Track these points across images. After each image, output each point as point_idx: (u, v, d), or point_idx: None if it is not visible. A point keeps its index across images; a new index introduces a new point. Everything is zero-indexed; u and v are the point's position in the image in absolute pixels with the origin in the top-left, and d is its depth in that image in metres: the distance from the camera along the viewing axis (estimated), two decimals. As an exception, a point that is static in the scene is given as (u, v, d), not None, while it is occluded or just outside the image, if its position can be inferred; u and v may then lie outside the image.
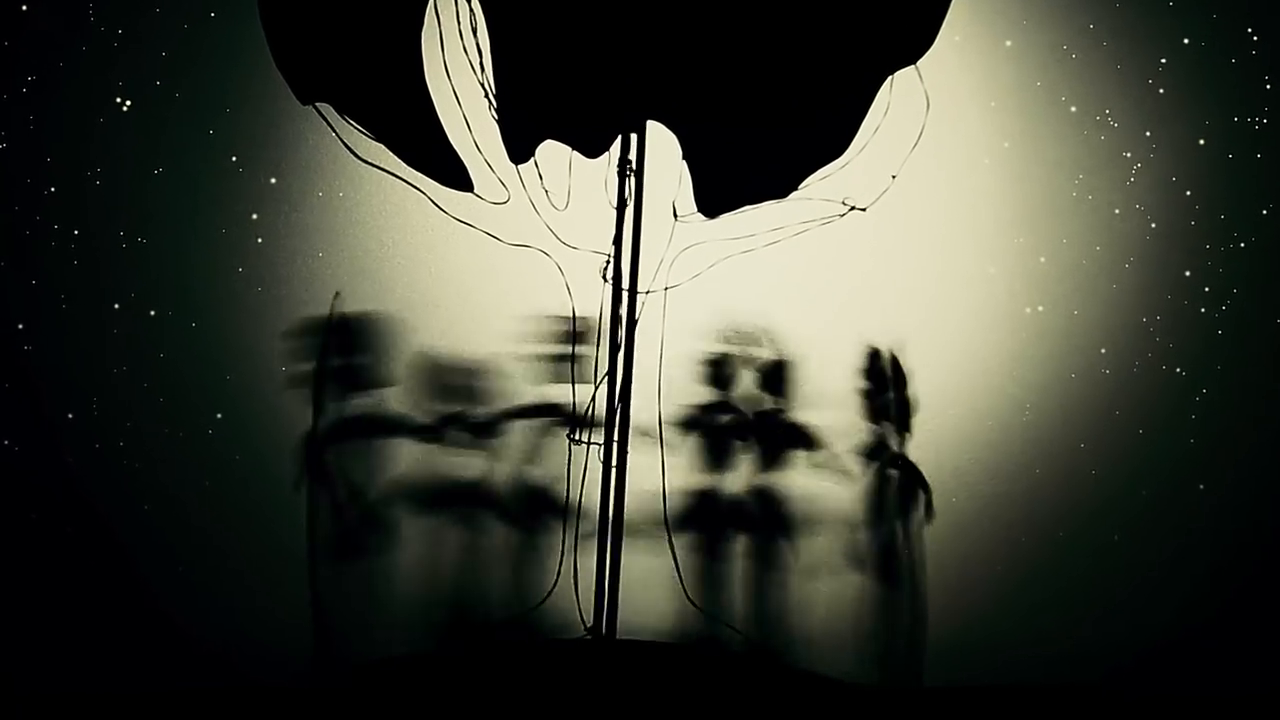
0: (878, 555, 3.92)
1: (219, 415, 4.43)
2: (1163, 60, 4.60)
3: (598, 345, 3.78)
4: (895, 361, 3.99)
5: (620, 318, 3.78)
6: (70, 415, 4.42)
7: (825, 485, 3.92)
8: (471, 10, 3.71)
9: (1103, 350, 4.59)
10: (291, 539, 3.81)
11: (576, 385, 3.82)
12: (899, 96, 3.79)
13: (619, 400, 3.73)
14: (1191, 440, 4.55)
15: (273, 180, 4.55)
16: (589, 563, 3.70)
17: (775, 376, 3.95)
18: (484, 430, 3.87)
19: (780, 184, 3.86)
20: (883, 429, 3.97)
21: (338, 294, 3.87)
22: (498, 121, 3.78)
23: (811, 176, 3.85)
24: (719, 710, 3.44)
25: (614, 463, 3.72)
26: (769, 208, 3.87)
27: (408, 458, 3.83)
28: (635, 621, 3.72)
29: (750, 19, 3.73)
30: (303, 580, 3.77)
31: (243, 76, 4.45)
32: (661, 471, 3.78)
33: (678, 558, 3.78)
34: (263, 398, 4.28)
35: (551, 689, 3.45)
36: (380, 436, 3.82)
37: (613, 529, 3.69)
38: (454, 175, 3.77)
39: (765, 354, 3.95)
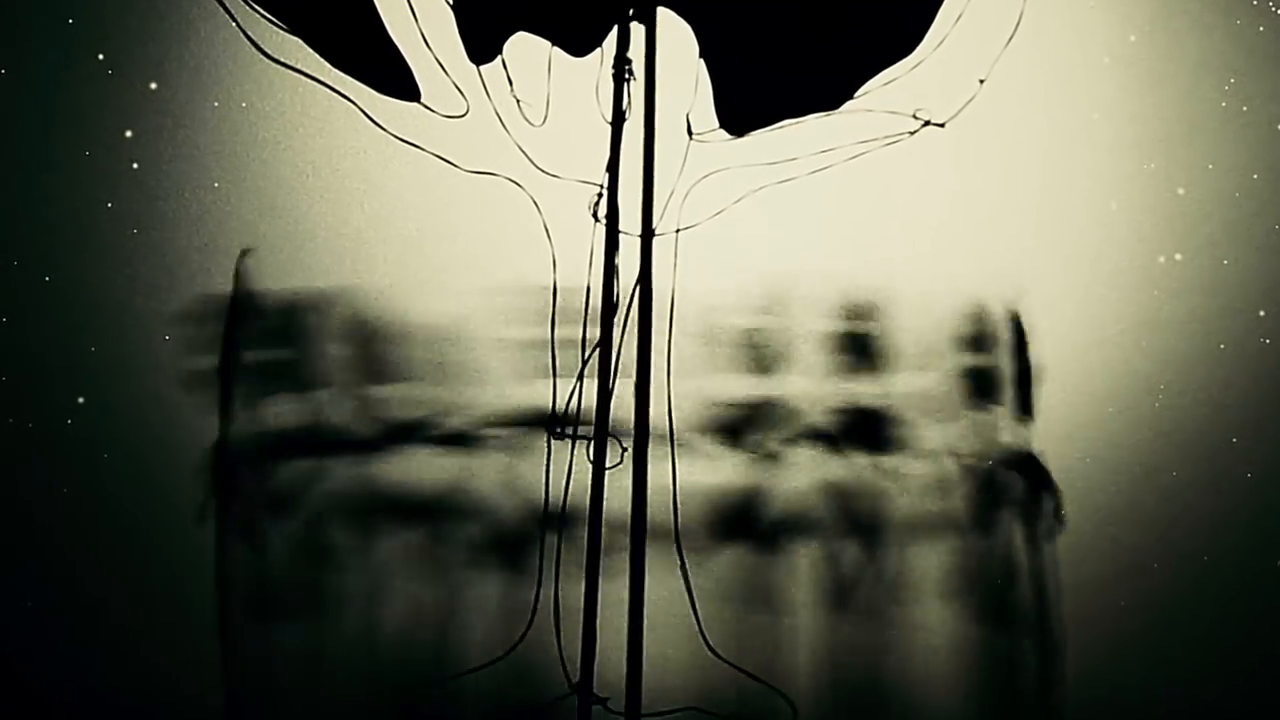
0: (985, 587, 3.93)
1: (80, 400, 4.32)
2: (1342, -76, 4.65)
3: (586, 306, 3.69)
4: (1016, 320, 3.99)
5: (616, 268, 3.70)
6: (-116, 399, 4.48)
7: (911, 493, 3.92)
8: None
9: (1261, 313, 4.46)
10: (180, 559, 3.82)
11: (558, 360, 3.75)
12: (989, -26, 3.84)
13: (613, 380, 3.66)
14: (1380, 433, 4.59)
15: (153, 86, 4.42)
16: (574, 597, 3.65)
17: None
18: (439, 425, 3.88)
19: (829, 91, 3.76)
20: (991, 412, 3.98)
21: (245, 253, 3.91)
22: (453, 7, 3.70)
23: (872, 81, 3.74)
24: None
25: (607, 463, 3.65)
26: (814, 123, 3.76)
27: (342, 474, 3.85)
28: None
29: None
30: (194, 621, 3.77)
31: (114, -52, 4.46)
32: (673, 476, 3.70)
33: (694, 592, 3.70)
34: (138, 377, 4.21)
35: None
36: (309, 452, 3.87)
37: (606, 552, 3.63)
38: (395, 80, 3.70)
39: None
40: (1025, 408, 4.01)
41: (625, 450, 3.65)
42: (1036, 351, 4.05)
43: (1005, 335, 4.01)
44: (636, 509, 3.65)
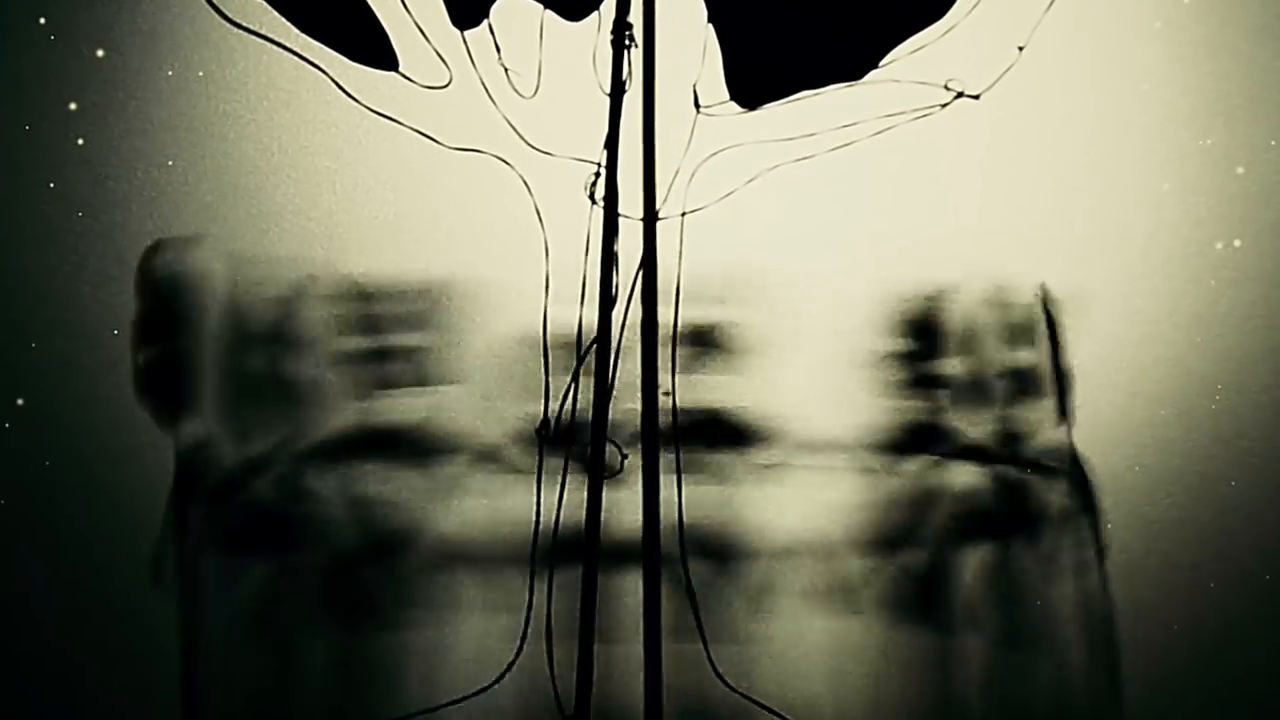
0: (1021, 609, 3.94)
1: (20, 402, 4.26)
2: None
3: (582, 297, 3.68)
4: (1047, 310, 4.01)
5: (615, 255, 3.69)
6: None
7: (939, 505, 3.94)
8: None
9: (1330, 306, 4.61)
10: (129, 577, 3.88)
11: (550, 356, 3.76)
12: (1027, -70, 3.86)
13: (612, 379, 3.66)
14: None
15: (100, 53, 4.35)
16: (568, 621, 3.67)
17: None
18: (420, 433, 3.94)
19: (852, 60, 3.74)
20: (1022, 411, 4.01)
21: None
22: (435, -35, 3.79)
23: (899, 49, 3.72)
24: None
25: (605, 472, 3.68)
26: (835, 94, 3.74)
27: (319, 486, 3.92)
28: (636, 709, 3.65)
29: None
30: (144, 643, 3.85)
31: (56, -100, 4.52)
32: (678, 487, 3.68)
33: (700, 614, 3.71)
34: (85, 377, 4.16)
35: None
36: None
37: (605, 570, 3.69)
38: (370, 46, 3.69)
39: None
40: (1062, 409, 4.04)
41: (625, 458, 3.69)
42: (1075, 346, 4.06)
43: (1040, 327, 4.09)
44: (648, 522, 3.65)
